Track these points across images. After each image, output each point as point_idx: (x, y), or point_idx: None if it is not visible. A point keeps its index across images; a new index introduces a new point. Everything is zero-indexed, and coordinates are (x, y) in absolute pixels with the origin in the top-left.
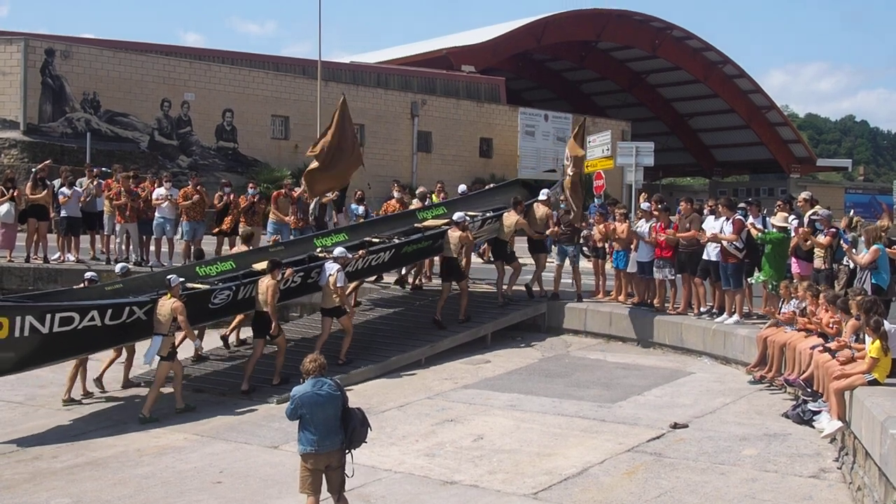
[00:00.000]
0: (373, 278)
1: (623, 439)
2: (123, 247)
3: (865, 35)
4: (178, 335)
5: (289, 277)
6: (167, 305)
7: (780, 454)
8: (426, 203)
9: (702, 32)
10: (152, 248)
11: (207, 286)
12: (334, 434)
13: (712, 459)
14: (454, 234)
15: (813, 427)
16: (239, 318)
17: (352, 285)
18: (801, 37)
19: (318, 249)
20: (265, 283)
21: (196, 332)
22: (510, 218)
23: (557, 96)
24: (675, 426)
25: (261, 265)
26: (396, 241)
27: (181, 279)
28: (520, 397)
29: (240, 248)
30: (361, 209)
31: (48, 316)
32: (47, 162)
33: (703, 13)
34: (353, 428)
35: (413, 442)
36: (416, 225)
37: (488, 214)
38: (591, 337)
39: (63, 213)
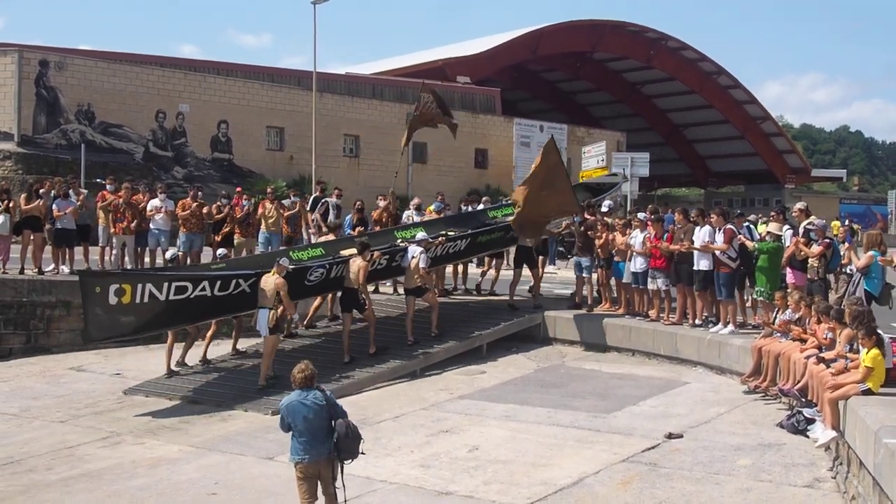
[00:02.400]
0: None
1: (618, 449)
2: (119, 258)
3: (861, 46)
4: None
5: (376, 259)
6: (271, 281)
7: (774, 464)
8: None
9: (697, 43)
10: (147, 259)
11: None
12: (321, 443)
13: (707, 469)
14: None
15: (807, 437)
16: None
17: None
18: (797, 48)
19: (399, 241)
20: (357, 264)
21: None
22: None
23: (552, 107)
24: (670, 436)
25: (350, 250)
26: (471, 231)
27: (289, 260)
28: (515, 408)
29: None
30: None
31: (166, 284)
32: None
33: (699, 25)
34: (338, 437)
35: (408, 453)
36: (487, 221)
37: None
38: (586, 347)
39: (57, 225)
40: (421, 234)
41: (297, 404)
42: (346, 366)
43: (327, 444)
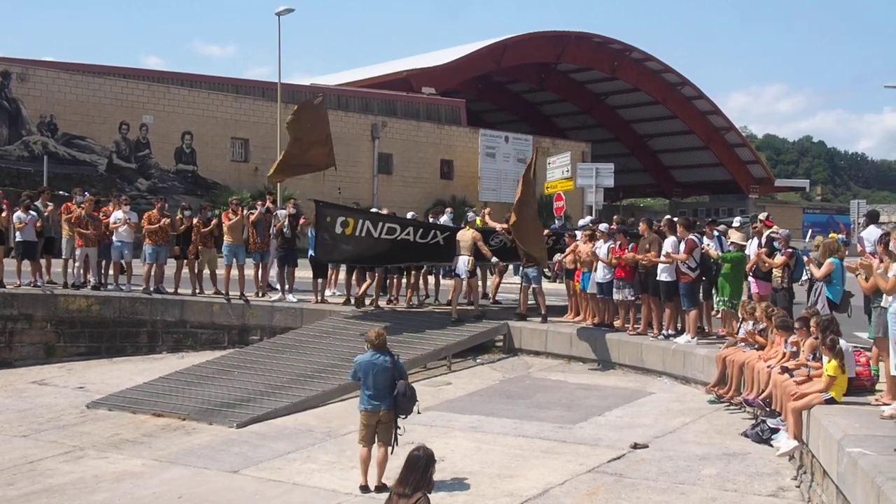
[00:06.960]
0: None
1: (584, 460)
2: (82, 271)
3: (824, 57)
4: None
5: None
6: (468, 235)
7: (739, 473)
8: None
9: (661, 55)
10: (111, 271)
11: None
12: (383, 398)
13: (672, 479)
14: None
15: (772, 446)
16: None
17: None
18: (761, 59)
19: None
20: None
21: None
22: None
23: (518, 118)
24: (636, 446)
25: None
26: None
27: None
28: (481, 419)
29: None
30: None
31: (380, 223)
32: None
33: (663, 36)
34: (396, 395)
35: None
36: None
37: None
38: (552, 358)
39: (19, 238)
40: (583, 221)
41: (368, 363)
42: (309, 378)
43: (388, 400)
